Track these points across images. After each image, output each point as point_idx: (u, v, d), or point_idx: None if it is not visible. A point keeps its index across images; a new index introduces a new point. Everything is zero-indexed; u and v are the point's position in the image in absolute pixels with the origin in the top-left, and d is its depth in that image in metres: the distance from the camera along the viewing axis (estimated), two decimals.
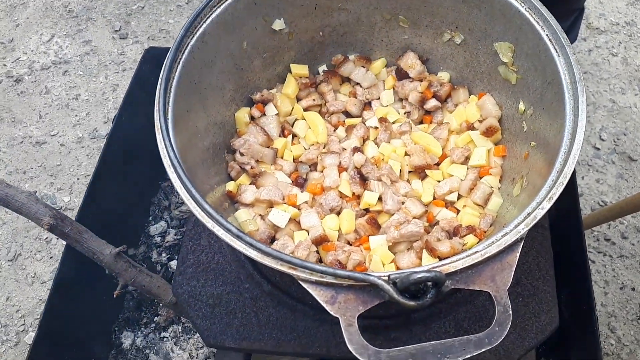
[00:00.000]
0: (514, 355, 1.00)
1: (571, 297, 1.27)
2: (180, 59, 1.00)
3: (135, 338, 1.49)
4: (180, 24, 2.58)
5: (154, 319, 1.53)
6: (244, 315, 1.08)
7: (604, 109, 2.19)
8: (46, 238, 2.03)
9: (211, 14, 1.06)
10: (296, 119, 1.30)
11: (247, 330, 1.07)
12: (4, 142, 2.25)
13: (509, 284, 0.73)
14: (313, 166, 1.24)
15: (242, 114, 1.24)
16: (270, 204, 1.14)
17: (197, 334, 1.48)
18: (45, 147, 2.24)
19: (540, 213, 0.77)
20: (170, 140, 0.84)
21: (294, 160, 1.25)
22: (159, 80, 0.94)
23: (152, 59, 1.71)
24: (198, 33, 1.04)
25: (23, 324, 1.87)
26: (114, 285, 1.33)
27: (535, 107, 1.01)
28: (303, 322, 1.06)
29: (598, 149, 2.13)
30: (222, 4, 1.07)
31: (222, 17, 1.07)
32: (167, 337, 1.50)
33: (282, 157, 1.25)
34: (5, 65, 2.47)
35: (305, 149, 1.26)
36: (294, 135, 1.29)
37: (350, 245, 1.09)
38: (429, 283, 0.71)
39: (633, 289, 1.84)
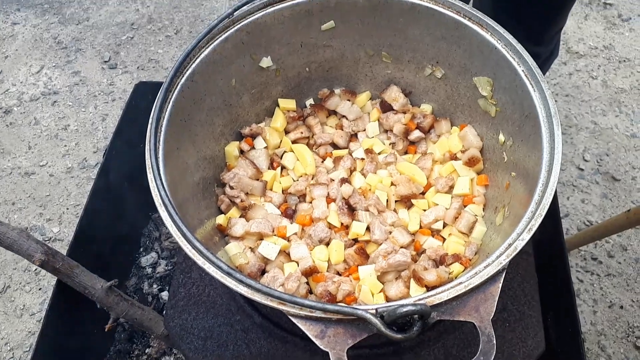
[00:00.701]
0: None
1: (557, 320, 1.30)
2: (170, 98, 1.04)
3: None
4: (169, 54, 2.63)
5: (146, 351, 1.53)
6: (235, 348, 1.10)
7: (586, 131, 2.25)
8: (35, 270, 2.03)
9: (200, 54, 1.10)
10: (285, 152, 1.34)
11: None
12: None
13: (493, 314, 0.76)
14: (302, 197, 1.27)
15: (232, 148, 1.28)
16: (260, 236, 1.17)
17: None
18: (35, 177, 2.26)
19: (520, 244, 0.80)
20: (161, 179, 0.87)
21: (283, 191, 1.29)
22: (150, 120, 0.97)
23: (142, 94, 1.74)
24: (187, 73, 1.07)
25: (12, 357, 1.86)
26: (105, 317, 1.34)
27: (514, 138, 1.05)
28: (294, 353, 1.08)
29: (582, 169, 2.18)
30: (210, 44, 1.11)
31: (211, 57, 1.11)
32: None
33: (271, 189, 1.28)
34: None
35: (294, 181, 1.29)
36: (283, 168, 1.32)
37: (340, 275, 1.11)
38: (415, 316, 0.73)
39: (621, 307, 1.88)
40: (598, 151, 2.21)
